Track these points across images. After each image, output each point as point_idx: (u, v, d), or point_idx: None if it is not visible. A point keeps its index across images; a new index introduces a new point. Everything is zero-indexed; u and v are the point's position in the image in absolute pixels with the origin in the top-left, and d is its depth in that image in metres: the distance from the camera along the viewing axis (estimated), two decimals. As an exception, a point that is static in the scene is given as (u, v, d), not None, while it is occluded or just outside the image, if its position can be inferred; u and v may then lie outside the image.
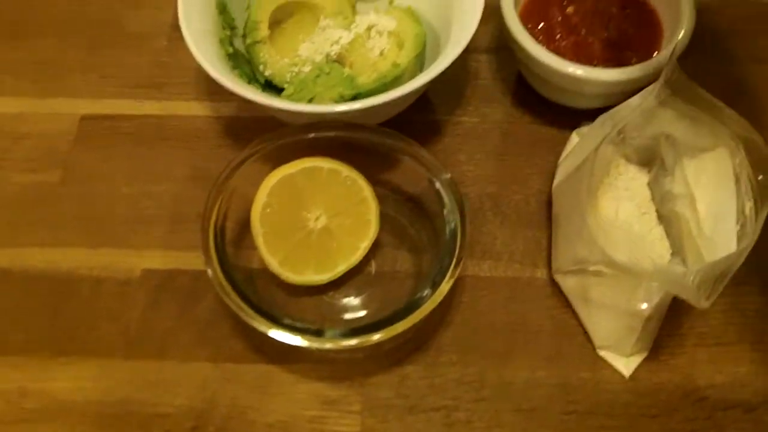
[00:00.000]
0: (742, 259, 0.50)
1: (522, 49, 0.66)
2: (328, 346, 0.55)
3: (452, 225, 0.58)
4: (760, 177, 0.56)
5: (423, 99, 0.73)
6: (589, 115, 0.70)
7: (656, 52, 0.69)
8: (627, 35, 0.69)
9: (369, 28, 0.71)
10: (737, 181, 0.57)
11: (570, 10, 0.71)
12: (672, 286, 0.52)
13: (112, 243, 0.67)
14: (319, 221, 0.61)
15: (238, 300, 0.56)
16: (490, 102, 0.75)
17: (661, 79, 0.55)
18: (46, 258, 0.67)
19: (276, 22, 0.72)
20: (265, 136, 0.62)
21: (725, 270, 0.50)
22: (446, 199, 0.59)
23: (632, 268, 0.53)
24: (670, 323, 0.62)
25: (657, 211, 0.64)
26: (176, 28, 0.65)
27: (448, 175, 0.60)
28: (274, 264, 0.60)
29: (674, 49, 0.56)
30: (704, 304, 0.50)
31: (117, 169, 0.71)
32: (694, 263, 0.59)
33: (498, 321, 0.63)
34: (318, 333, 0.55)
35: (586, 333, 0.63)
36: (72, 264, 0.66)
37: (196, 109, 0.74)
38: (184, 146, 0.72)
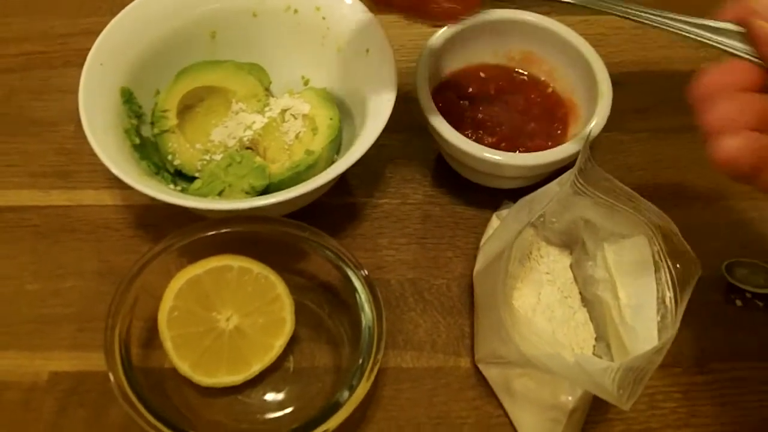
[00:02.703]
0: (661, 358, 0.49)
1: (439, 135, 0.65)
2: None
3: (368, 325, 0.56)
4: (678, 266, 0.55)
5: (340, 181, 0.71)
6: (510, 194, 0.69)
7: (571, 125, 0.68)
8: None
9: (283, 112, 0.69)
10: (657, 269, 0.56)
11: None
12: (592, 387, 0.50)
13: (17, 345, 0.64)
14: (230, 321, 0.59)
15: (144, 411, 0.53)
16: (410, 182, 0.73)
17: (574, 170, 0.54)
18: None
19: (187, 107, 0.70)
20: (176, 233, 0.60)
21: (644, 369, 0.49)
22: (362, 297, 0.57)
23: (552, 367, 0.51)
24: (597, 409, 0.61)
25: (580, 293, 0.63)
26: (84, 113, 0.62)
27: (365, 272, 0.58)
28: (184, 368, 0.58)
29: (587, 139, 0.55)
30: (626, 405, 0.48)
31: (21, 266, 0.68)
32: (618, 352, 0.58)
33: (421, 415, 0.61)
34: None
35: (511, 424, 0.61)
36: (-28, 369, 0.63)
37: (105, 198, 0.71)
38: (93, 238, 0.69)
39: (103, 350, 0.55)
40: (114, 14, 0.68)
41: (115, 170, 0.58)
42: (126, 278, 0.58)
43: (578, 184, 0.55)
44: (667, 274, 0.55)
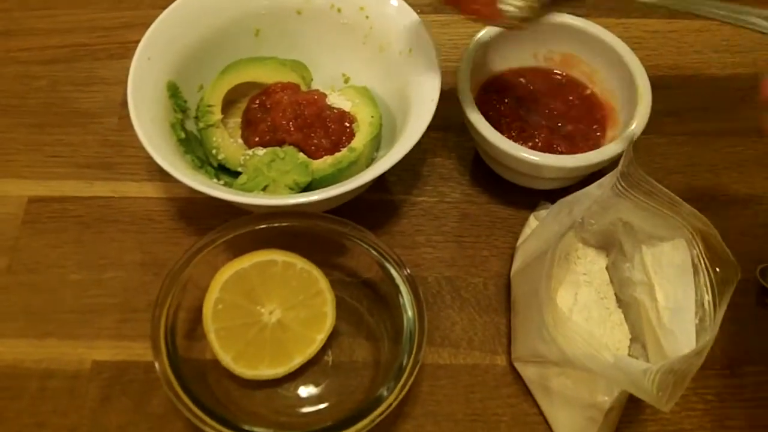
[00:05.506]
0: (701, 360, 0.50)
1: (478, 134, 0.65)
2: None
3: (410, 325, 0.57)
4: (718, 269, 0.55)
5: (379, 178, 0.72)
6: (547, 195, 0.70)
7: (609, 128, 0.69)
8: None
9: (326, 107, 0.70)
10: (696, 272, 0.57)
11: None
12: (631, 388, 0.51)
13: (61, 333, 0.65)
14: (273, 315, 0.60)
15: (187, 400, 0.54)
16: (447, 181, 0.74)
17: (617, 172, 0.55)
18: (-10, 350, 0.64)
19: (230, 102, 0.71)
20: (221, 227, 0.60)
21: (684, 371, 0.49)
22: (405, 297, 0.58)
23: (593, 367, 0.52)
24: (632, 410, 0.62)
25: (616, 294, 0.63)
26: (127, 105, 0.62)
27: (407, 271, 0.59)
28: (227, 360, 0.59)
29: (630, 142, 0.56)
30: (665, 407, 0.49)
31: (65, 256, 0.69)
32: (654, 353, 0.58)
33: (458, 412, 0.62)
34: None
35: (546, 422, 0.62)
36: (18, 356, 0.64)
37: (147, 190, 0.72)
38: (135, 230, 0.70)
39: (149, 340, 0.56)
40: (155, 8, 0.69)
41: (164, 164, 0.59)
42: (173, 270, 0.58)
43: (620, 187, 0.56)
44: (706, 278, 0.56)
